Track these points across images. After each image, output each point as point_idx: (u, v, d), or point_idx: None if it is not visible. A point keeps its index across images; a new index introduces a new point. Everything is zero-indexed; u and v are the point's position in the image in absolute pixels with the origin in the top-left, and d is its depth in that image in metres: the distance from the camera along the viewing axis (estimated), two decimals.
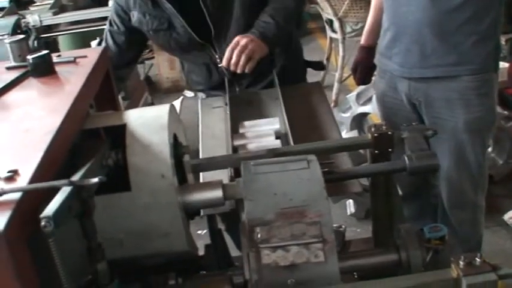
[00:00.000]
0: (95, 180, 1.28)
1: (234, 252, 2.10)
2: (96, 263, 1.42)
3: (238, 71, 2.57)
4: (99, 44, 3.31)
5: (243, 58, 2.53)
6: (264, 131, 2.34)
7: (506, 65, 3.03)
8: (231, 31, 2.75)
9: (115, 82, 2.69)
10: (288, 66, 2.92)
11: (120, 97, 3.32)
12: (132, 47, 2.98)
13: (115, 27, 2.90)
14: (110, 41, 2.93)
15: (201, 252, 1.93)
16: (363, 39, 3.27)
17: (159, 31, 2.80)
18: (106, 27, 2.98)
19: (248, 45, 2.55)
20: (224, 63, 2.59)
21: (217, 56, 2.78)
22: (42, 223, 1.15)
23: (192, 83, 3.13)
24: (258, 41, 2.59)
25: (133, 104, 5.78)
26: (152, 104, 6.44)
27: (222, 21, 2.76)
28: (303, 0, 2.95)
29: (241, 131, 2.35)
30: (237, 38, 2.58)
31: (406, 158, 1.85)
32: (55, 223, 1.16)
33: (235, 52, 2.54)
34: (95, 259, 1.41)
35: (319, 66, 3.27)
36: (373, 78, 3.36)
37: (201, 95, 3.11)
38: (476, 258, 1.38)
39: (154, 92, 7.48)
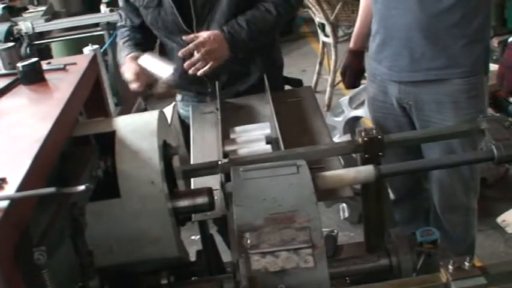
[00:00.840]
0: (82, 187, 1.27)
1: (226, 257, 2.10)
2: (88, 280, 1.42)
3: (191, 72, 2.61)
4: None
5: (199, 64, 2.59)
6: (255, 136, 2.34)
7: (498, 67, 3.04)
8: (213, 24, 2.75)
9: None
10: (267, 75, 2.83)
11: (112, 103, 3.33)
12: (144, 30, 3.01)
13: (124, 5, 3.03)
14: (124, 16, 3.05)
15: (194, 258, 1.94)
16: (351, 43, 3.27)
17: (149, 8, 2.83)
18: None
19: (211, 52, 2.58)
20: (180, 54, 2.62)
21: None
22: (36, 256, 1.15)
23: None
24: (222, 44, 2.62)
25: (126, 110, 5.77)
26: (145, 109, 6.43)
27: (205, 13, 2.76)
28: (284, 16, 2.84)
29: (232, 136, 2.35)
30: (203, 37, 2.59)
31: (494, 147, 1.84)
32: (48, 255, 1.16)
33: (196, 55, 2.58)
34: (85, 270, 1.41)
35: (297, 84, 3.23)
36: (364, 81, 3.36)
37: (178, 98, 3.14)
38: (466, 263, 1.38)
39: (148, 97, 7.46)
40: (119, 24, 3.10)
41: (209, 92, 2.86)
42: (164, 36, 2.96)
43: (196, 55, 2.58)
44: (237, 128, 2.40)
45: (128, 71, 2.73)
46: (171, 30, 2.86)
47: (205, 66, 2.59)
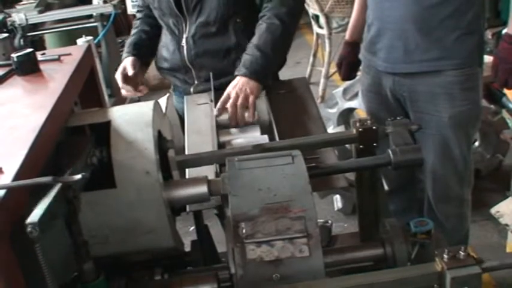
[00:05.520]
0: (78, 177, 1.28)
1: (221, 247, 2.11)
2: (82, 262, 1.42)
3: (239, 123, 2.45)
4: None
5: (238, 111, 2.44)
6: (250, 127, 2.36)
7: (492, 58, 3.04)
8: (203, 12, 2.73)
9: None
10: None
11: (106, 94, 3.33)
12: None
13: None
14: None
15: (189, 248, 1.94)
16: (347, 35, 3.27)
17: None
18: None
19: (239, 96, 2.45)
20: (216, 112, 2.47)
21: (184, 36, 2.84)
22: (28, 229, 1.15)
23: (159, 60, 3.13)
24: (248, 82, 2.49)
25: (120, 101, 5.74)
26: (139, 101, 6.41)
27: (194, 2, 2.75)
28: (290, 21, 2.70)
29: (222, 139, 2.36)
30: (227, 91, 2.49)
31: (390, 153, 1.86)
32: (41, 229, 1.16)
33: (229, 106, 2.45)
34: (80, 259, 1.41)
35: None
36: (359, 73, 3.36)
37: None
38: (460, 252, 1.39)
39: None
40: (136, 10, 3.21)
41: (195, 83, 2.86)
42: (158, 17, 2.97)
43: (230, 107, 2.44)
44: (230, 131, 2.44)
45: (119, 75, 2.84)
46: (164, 12, 2.87)
47: (245, 109, 2.45)
